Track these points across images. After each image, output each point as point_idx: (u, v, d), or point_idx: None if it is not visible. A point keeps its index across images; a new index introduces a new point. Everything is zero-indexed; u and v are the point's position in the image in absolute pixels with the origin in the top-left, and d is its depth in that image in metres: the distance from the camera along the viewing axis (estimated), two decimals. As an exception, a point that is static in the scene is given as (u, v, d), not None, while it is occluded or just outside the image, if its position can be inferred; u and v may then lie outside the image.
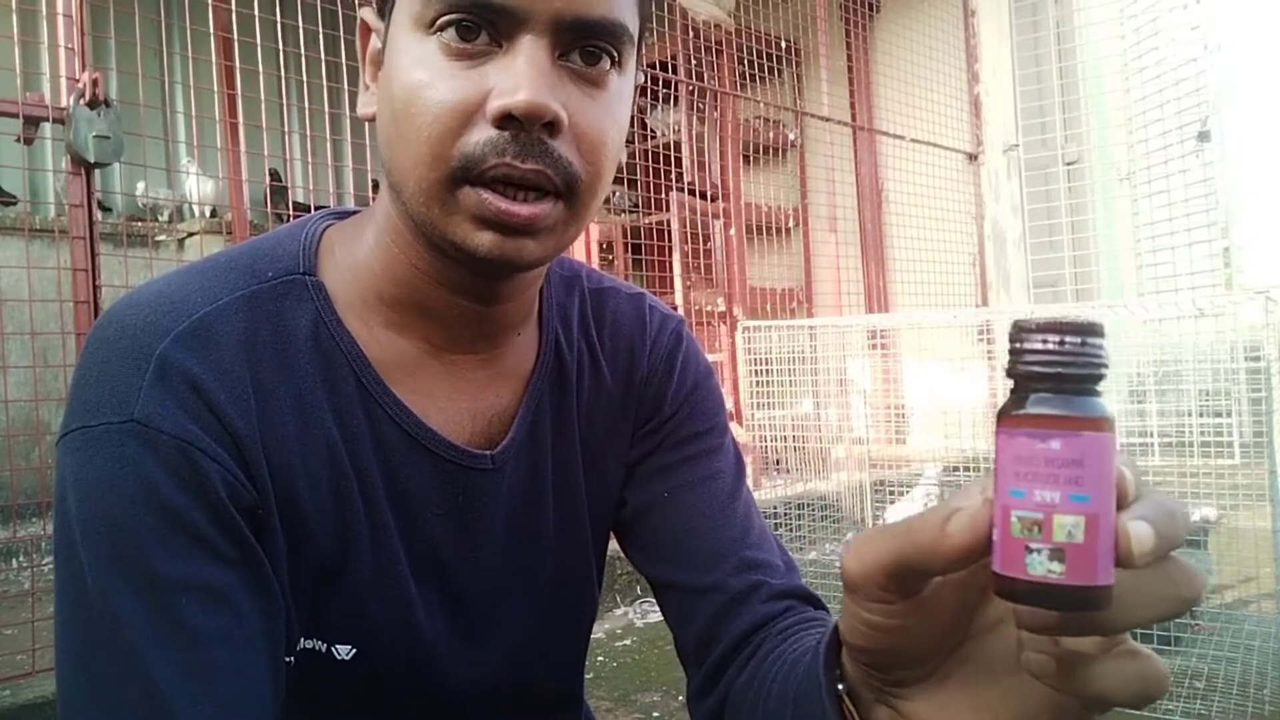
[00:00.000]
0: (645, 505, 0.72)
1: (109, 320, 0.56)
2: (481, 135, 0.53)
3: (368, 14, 0.62)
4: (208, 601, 0.52)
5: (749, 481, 0.76)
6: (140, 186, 4.05)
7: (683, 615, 0.70)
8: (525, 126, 0.53)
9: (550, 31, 0.54)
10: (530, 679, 0.71)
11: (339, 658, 0.62)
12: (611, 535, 0.77)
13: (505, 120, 0.53)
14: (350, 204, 0.69)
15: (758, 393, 3.70)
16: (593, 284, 0.75)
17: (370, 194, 3.23)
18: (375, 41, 0.61)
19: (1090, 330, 0.36)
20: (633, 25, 0.57)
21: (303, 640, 0.61)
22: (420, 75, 0.54)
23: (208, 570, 0.53)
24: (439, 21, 0.54)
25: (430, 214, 0.56)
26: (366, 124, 0.63)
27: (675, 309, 0.80)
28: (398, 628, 0.63)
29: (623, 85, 0.59)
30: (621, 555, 0.76)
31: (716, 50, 4.59)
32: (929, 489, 3.40)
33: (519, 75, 0.53)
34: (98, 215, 2.26)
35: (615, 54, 0.57)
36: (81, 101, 2.16)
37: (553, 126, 0.54)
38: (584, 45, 0.55)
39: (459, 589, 0.66)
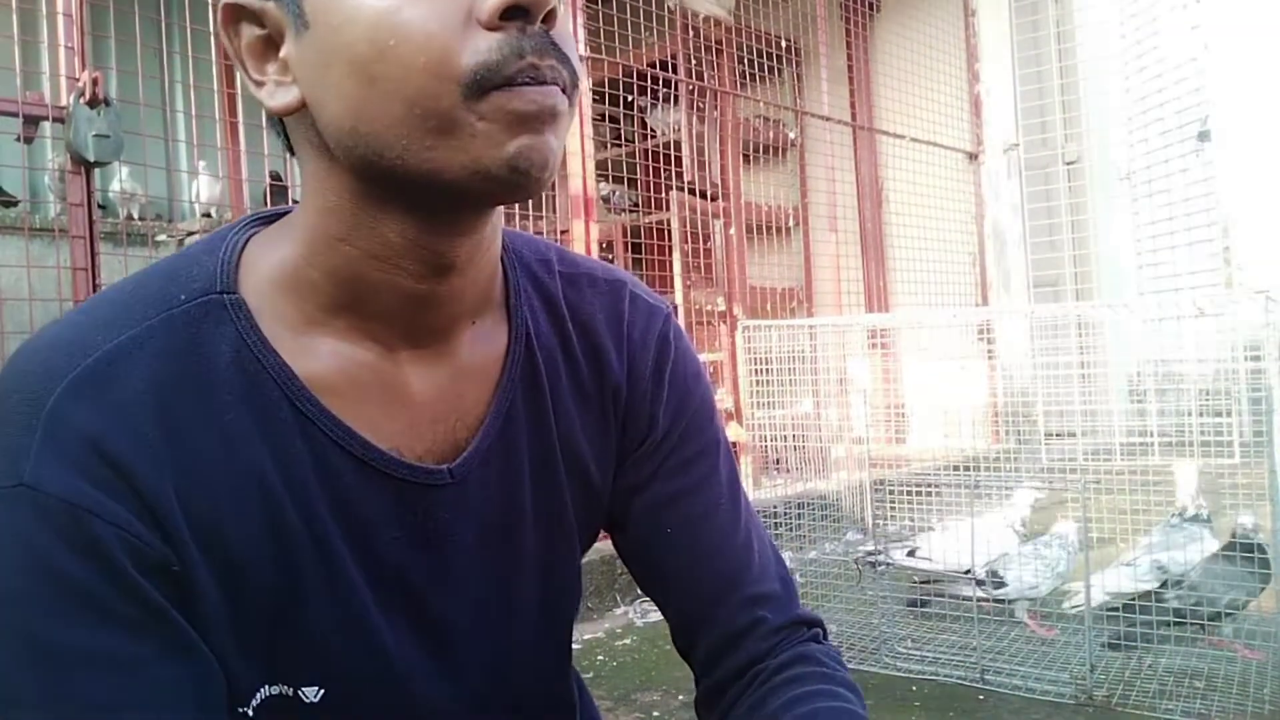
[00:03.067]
0: (650, 539, 0.71)
1: (7, 370, 0.52)
2: (489, 40, 0.49)
3: None
4: (111, 672, 0.49)
5: (748, 483, 0.76)
6: (115, 184, 4.00)
7: (684, 634, 0.72)
8: (530, 19, 0.50)
9: None
10: (519, 692, 0.69)
11: (307, 700, 0.58)
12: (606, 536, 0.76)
13: (510, 11, 0.49)
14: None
15: (758, 392, 3.69)
16: (566, 267, 0.69)
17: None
18: (252, 30, 0.54)
19: None
20: None
21: (265, 688, 0.58)
22: (385, 4, 0.49)
23: (110, 639, 0.49)
24: None
25: (441, 148, 0.50)
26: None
27: (676, 309, 0.78)
28: (366, 661, 0.60)
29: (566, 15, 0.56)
30: (621, 556, 0.76)
31: (716, 49, 4.59)
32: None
33: None
34: (97, 214, 2.26)
35: None
36: (81, 101, 2.16)
37: (551, 15, 0.51)
38: None
39: (432, 614, 0.62)
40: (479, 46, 0.49)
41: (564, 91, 0.52)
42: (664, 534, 0.70)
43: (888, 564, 2.76)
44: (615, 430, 0.70)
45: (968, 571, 2.56)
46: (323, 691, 0.59)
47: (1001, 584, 2.46)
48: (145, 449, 0.51)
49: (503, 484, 0.64)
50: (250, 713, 0.57)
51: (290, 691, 0.58)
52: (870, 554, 2.89)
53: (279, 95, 0.54)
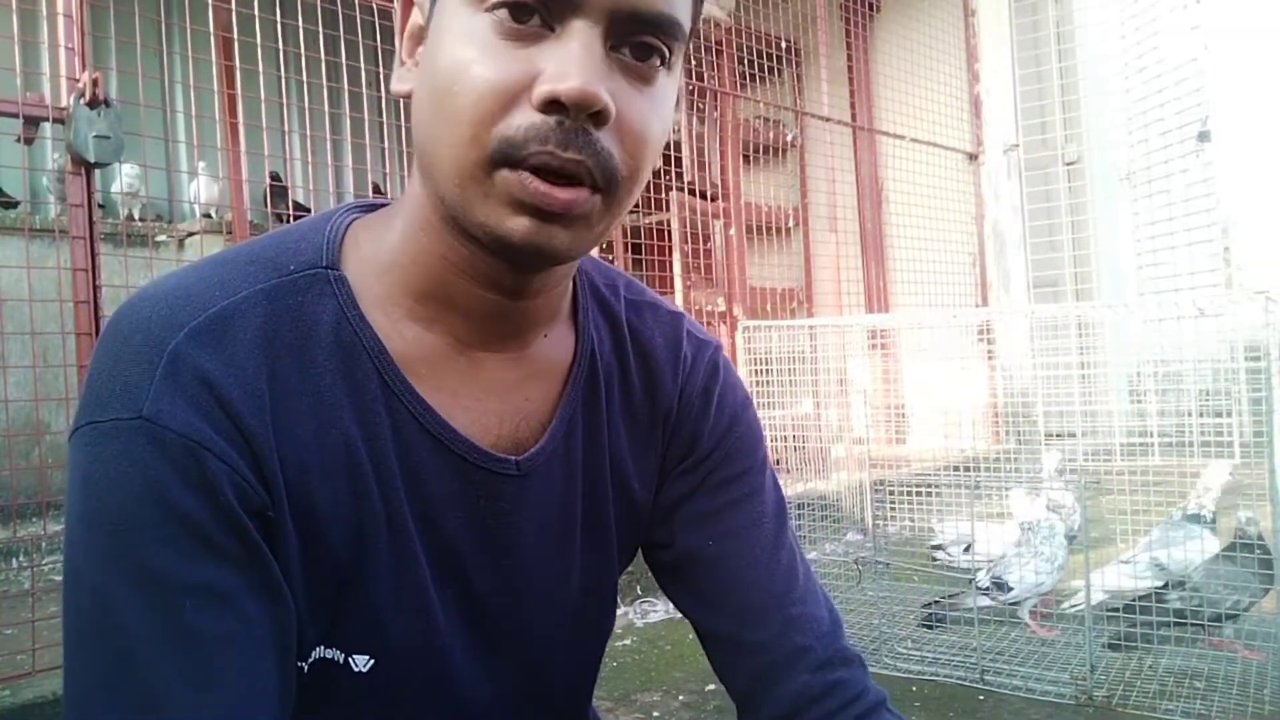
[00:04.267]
0: (690, 552, 0.71)
1: (125, 313, 0.55)
2: (524, 119, 0.51)
3: None
4: (212, 604, 0.51)
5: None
6: (116, 184, 4.00)
7: (726, 663, 0.72)
8: (571, 115, 0.51)
9: (605, 20, 0.52)
10: (544, 689, 0.70)
11: (356, 669, 0.60)
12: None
13: (551, 106, 0.51)
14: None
15: (758, 393, 3.70)
16: (632, 295, 0.73)
17: (370, 194, 3.23)
18: (417, 16, 0.59)
19: None
20: (685, 24, 0.56)
21: (320, 649, 0.59)
22: (467, 52, 0.52)
23: (214, 572, 0.51)
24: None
25: (464, 196, 0.53)
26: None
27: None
28: (418, 636, 0.61)
29: (669, 85, 0.57)
30: (662, 578, 0.77)
31: (716, 50, 4.59)
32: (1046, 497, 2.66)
33: (570, 61, 0.51)
34: (97, 215, 2.26)
35: (666, 51, 0.55)
36: (82, 101, 2.16)
37: (599, 117, 0.52)
38: (637, 39, 0.53)
39: (479, 596, 0.64)
40: (514, 121, 0.51)
41: (594, 189, 0.53)
42: (706, 546, 0.71)
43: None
44: (660, 448, 0.72)
45: (969, 578, 2.56)
46: (373, 662, 0.61)
47: (1008, 588, 2.46)
48: (253, 400, 0.54)
49: (560, 487, 0.67)
50: (305, 668, 0.59)
51: (342, 658, 0.60)
52: (935, 547, 2.90)
53: (400, 80, 0.59)
